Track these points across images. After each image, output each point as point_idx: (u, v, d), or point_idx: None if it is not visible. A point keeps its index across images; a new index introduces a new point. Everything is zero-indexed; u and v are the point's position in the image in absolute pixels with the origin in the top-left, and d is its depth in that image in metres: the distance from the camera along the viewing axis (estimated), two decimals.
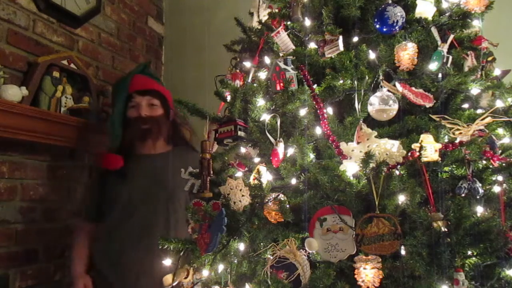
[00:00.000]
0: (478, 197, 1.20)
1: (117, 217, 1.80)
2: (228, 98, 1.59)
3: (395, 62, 1.37)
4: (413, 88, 1.34)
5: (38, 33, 2.20)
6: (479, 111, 1.35)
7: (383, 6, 1.38)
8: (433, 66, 1.37)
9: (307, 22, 1.54)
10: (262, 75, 1.56)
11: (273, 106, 1.45)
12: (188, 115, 1.60)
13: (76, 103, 2.24)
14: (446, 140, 1.27)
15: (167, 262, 1.49)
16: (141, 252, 1.76)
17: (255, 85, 1.51)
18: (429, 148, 1.18)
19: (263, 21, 1.71)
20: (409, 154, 1.20)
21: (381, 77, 1.35)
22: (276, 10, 1.70)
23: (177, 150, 1.89)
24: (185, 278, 1.40)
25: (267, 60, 1.57)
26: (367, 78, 1.37)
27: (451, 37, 1.41)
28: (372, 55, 1.42)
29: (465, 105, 1.40)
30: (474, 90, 1.38)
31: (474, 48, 1.47)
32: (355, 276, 1.15)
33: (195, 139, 2.04)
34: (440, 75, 1.38)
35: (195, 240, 1.36)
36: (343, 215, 1.24)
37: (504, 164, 1.24)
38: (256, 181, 1.35)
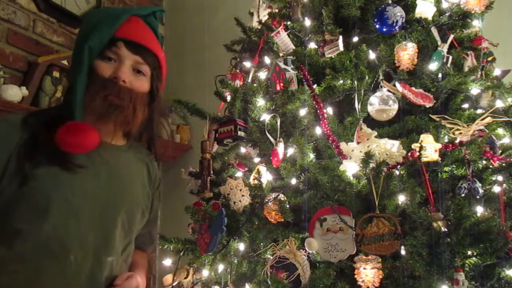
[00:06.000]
0: (478, 197, 1.20)
1: (41, 242, 0.90)
2: (228, 98, 1.59)
3: (395, 62, 1.37)
4: (413, 88, 1.34)
5: (38, 33, 2.20)
6: (479, 111, 1.35)
7: (383, 6, 1.38)
8: (433, 66, 1.37)
9: (307, 22, 1.54)
10: (262, 75, 1.56)
11: (273, 106, 1.45)
12: (188, 115, 1.60)
13: None
14: (446, 140, 1.27)
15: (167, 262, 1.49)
16: None
17: (255, 85, 1.51)
18: (429, 148, 1.18)
19: (263, 21, 1.71)
20: (409, 154, 1.20)
21: (381, 77, 1.35)
22: (276, 10, 1.70)
23: (138, 148, 1.20)
24: (185, 278, 1.40)
25: (267, 60, 1.57)
26: (367, 78, 1.37)
27: (451, 37, 1.41)
28: (372, 55, 1.42)
29: (465, 105, 1.40)
30: (474, 90, 1.38)
31: (474, 48, 1.47)
32: (355, 276, 1.15)
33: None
34: (440, 75, 1.38)
35: (195, 240, 1.37)
36: (343, 215, 1.24)
37: (504, 164, 1.24)
38: (256, 181, 1.35)
